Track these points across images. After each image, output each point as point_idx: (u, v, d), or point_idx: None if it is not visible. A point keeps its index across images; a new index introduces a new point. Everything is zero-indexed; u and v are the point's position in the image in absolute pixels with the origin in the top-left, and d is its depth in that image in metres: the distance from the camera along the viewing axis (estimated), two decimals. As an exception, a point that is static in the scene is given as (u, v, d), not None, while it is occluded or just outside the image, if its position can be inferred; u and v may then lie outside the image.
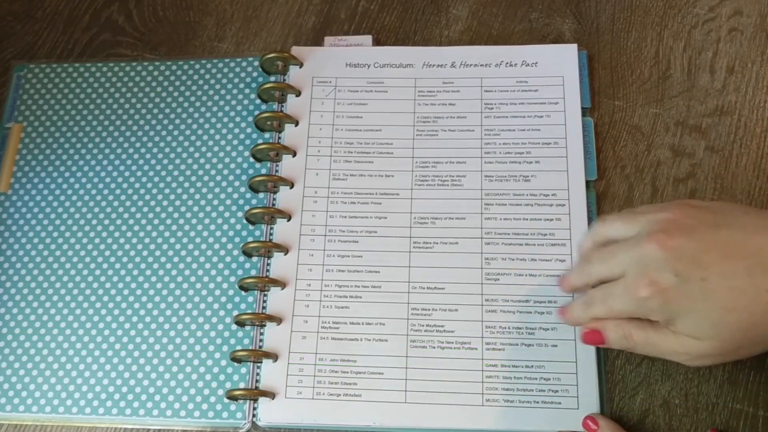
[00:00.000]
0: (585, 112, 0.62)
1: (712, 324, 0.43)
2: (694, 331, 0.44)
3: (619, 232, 0.48)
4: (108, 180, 0.62)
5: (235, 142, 0.63)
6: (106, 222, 0.61)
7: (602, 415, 0.52)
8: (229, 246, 0.59)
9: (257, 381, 0.56)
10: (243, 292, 0.58)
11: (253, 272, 0.58)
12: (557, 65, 0.63)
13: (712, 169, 0.59)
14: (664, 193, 0.59)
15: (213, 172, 0.62)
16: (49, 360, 0.57)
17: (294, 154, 0.62)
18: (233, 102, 0.64)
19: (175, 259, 0.59)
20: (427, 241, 0.58)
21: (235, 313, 0.57)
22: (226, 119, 0.63)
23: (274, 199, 0.61)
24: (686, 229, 0.44)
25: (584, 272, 0.50)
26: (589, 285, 0.50)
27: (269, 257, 0.59)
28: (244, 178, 0.61)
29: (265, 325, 0.57)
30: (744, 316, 0.42)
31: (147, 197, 0.61)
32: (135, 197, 0.62)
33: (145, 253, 0.60)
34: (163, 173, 0.62)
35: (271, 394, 0.55)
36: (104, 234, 0.61)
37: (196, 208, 0.61)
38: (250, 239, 0.59)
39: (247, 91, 0.64)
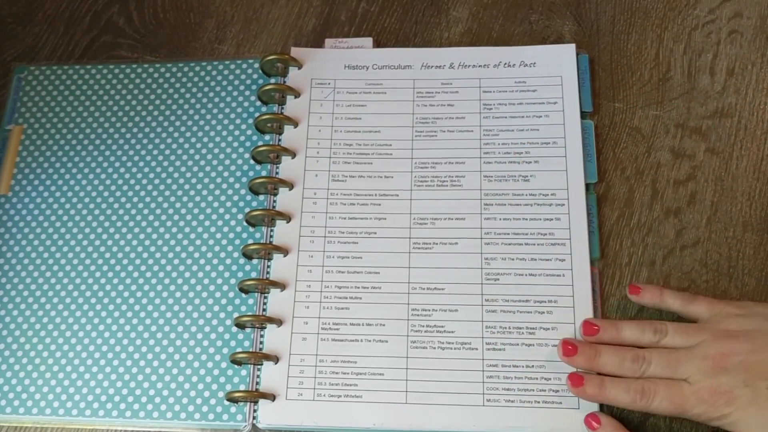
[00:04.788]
0: (585, 115, 0.62)
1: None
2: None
3: (676, 342, 0.52)
4: (108, 182, 0.62)
5: (235, 144, 0.63)
6: (107, 224, 0.61)
7: (604, 413, 0.52)
8: (229, 248, 0.59)
9: (257, 383, 0.55)
10: (243, 294, 0.58)
11: (253, 274, 0.58)
12: (555, 65, 0.63)
13: (712, 171, 0.59)
14: (664, 195, 0.59)
15: (213, 174, 0.62)
16: (49, 362, 0.57)
17: (293, 156, 0.62)
18: (233, 104, 0.64)
19: (176, 261, 0.59)
20: (426, 241, 0.58)
21: (236, 315, 0.57)
22: (226, 121, 0.64)
23: (274, 201, 0.61)
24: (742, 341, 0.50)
25: (634, 366, 0.51)
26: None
27: (269, 259, 0.59)
28: (244, 180, 0.61)
29: (265, 327, 0.57)
30: None
31: (147, 199, 0.61)
32: (135, 199, 0.62)
33: (145, 255, 0.60)
34: (164, 175, 0.62)
35: (271, 396, 0.55)
36: (104, 236, 0.61)
37: (196, 210, 0.61)
38: (250, 241, 0.59)
39: (247, 93, 0.64)
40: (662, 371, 0.50)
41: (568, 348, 0.53)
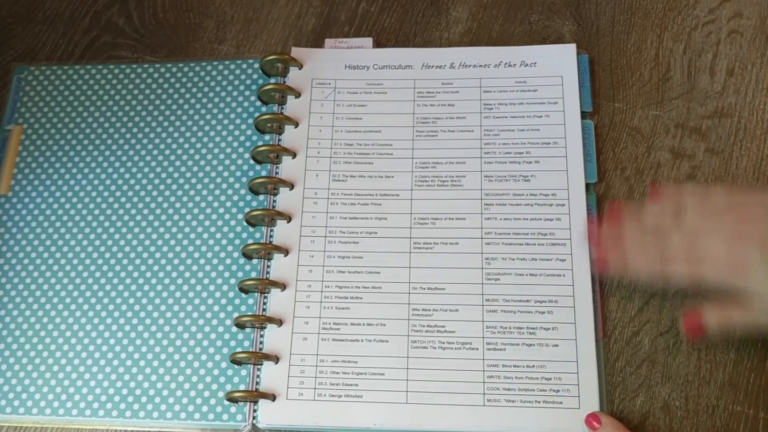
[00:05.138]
0: (585, 115, 0.62)
1: None
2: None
3: (695, 223, 0.53)
4: (108, 182, 0.62)
5: (235, 144, 0.63)
6: (107, 224, 0.61)
7: (604, 413, 0.52)
8: (230, 248, 0.59)
9: (257, 383, 0.55)
10: (243, 294, 0.58)
11: (253, 274, 0.58)
12: (556, 65, 0.63)
13: (712, 171, 0.59)
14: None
15: (213, 174, 0.62)
16: (49, 362, 0.57)
17: (294, 156, 0.62)
18: (233, 104, 0.64)
19: (176, 261, 0.59)
20: (427, 241, 0.58)
21: (236, 315, 0.57)
22: (226, 121, 0.64)
23: (274, 200, 0.61)
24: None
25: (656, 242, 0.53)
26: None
27: (269, 259, 0.59)
28: (244, 180, 0.61)
29: (265, 327, 0.57)
30: None
31: (147, 199, 0.61)
32: (135, 199, 0.62)
33: (145, 255, 0.60)
34: (164, 175, 0.62)
35: (271, 396, 0.55)
36: (104, 236, 0.61)
37: (196, 210, 0.61)
38: (250, 241, 0.59)
39: (247, 93, 0.64)
40: (682, 246, 0.52)
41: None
